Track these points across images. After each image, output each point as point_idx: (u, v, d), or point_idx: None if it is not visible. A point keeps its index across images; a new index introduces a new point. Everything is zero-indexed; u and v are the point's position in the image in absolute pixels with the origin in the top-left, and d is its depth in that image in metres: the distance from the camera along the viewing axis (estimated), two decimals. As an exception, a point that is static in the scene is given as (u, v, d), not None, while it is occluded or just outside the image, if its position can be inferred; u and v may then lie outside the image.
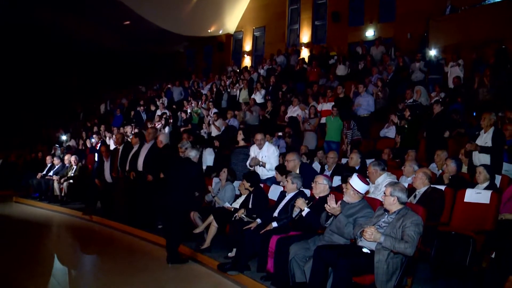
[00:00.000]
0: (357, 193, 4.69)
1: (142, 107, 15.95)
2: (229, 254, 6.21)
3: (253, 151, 7.64)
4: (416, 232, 3.99)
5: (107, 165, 9.61)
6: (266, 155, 7.43)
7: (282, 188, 6.22)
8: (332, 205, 4.43)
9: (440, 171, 6.84)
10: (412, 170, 6.31)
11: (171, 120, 13.98)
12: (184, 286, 5.56)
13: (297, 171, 6.44)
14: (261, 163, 7.39)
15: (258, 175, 7.03)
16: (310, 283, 4.33)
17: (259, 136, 7.56)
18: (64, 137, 15.98)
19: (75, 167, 11.76)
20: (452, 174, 6.17)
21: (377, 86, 11.24)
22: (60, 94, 20.51)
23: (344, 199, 4.78)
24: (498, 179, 5.87)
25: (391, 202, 4.25)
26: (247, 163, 7.60)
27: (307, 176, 6.09)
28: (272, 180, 7.30)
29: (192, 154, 6.61)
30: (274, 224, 5.65)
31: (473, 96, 9.57)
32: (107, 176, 9.63)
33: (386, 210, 4.34)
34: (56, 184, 11.78)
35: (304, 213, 5.08)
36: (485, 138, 6.39)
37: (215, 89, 15.92)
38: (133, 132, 10.99)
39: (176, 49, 22.68)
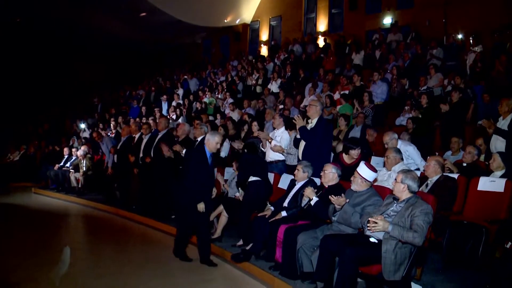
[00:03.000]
0: (365, 181, 4.60)
1: (164, 97, 16.04)
2: (237, 244, 6.20)
3: (268, 128, 7.54)
4: (425, 221, 3.88)
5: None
6: (279, 136, 7.28)
7: (292, 177, 6.12)
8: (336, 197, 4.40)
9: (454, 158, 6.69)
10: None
11: (185, 111, 13.98)
12: (194, 276, 5.54)
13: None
14: (270, 139, 7.23)
15: (255, 145, 6.94)
16: (316, 273, 4.28)
17: (277, 118, 7.50)
18: (82, 126, 16.12)
19: (84, 158, 11.85)
20: (468, 162, 6.02)
21: (392, 74, 11.02)
22: (79, 87, 20.76)
23: (352, 187, 4.69)
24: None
25: (401, 190, 4.14)
26: (256, 133, 7.58)
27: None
28: (280, 167, 7.22)
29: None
30: (284, 213, 5.60)
31: (491, 82, 9.30)
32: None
33: (395, 199, 4.24)
34: (72, 176, 11.94)
35: (312, 202, 5.01)
36: (502, 125, 6.21)
37: (230, 79, 15.85)
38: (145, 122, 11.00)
39: (193, 40, 22.66)
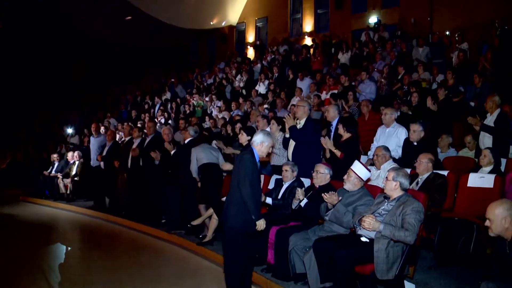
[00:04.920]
0: (360, 180, 4.59)
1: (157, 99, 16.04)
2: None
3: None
4: (416, 219, 3.87)
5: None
6: None
7: (278, 177, 6.10)
8: (328, 194, 4.33)
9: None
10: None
11: (173, 114, 13.92)
12: (187, 280, 5.52)
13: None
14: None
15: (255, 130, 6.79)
16: (322, 277, 4.24)
17: (261, 120, 7.48)
18: (70, 131, 15.93)
19: (77, 162, 11.74)
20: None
21: (381, 73, 11.05)
22: (66, 91, 20.55)
23: (345, 187, 4.68)
24: (503, 162, 5.72)
25: (393, 188, 4.13)
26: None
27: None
28: (268, 169, 7.20)
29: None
30: (268, 200, 5.65)
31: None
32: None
33: (386, 197, 4.24)
34: (60, 182, 11.82)
35: (302, 204, 4.99)
36: (489, 121, 6.25)
37: (218, 82, 15.82)
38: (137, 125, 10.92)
39: (179, 42, 22.57)
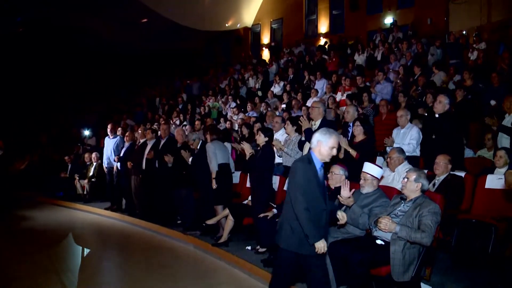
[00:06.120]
0: (375, 180, 4.57)
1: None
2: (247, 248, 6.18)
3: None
4: (433, 221, 3.85)
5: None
6: (279, 139, 7.18)
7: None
8: (345, 195, 4.27)
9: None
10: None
11: (189, 116, 13.99)
12: (202, 281, 5.53)
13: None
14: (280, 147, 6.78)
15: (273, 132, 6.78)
16: (337, 280, 4.20)
17: (278, 119, 7.47)
18: (87, 133, 16.13)
19: (95, 164, 11.86)
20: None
21: (397, 73, 10.97)
22: (82, 93, 20.77)
23: (362, 191, 4.64)
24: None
25: (414, 189, 4.11)
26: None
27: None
28: (281, 170, 7.12)
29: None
30: (275, 210, 5.67)
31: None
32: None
33: (402, 198, 4.21)
34: (77, 183, 11.96)
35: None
36: (507, 122, 6.16)
37: (233, 83, 15.85)
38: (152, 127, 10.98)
39: (194, 44, 22.69)
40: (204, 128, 8.68)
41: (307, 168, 3.60)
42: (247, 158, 6.50)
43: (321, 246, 3.53)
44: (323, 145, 3.65)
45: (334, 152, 3.69)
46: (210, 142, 7.05)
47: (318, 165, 3.66)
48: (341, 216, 3.85)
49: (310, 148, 3.76)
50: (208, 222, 6.79)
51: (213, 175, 6.88)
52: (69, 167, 12.88)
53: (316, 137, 3.69)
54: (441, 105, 6.02)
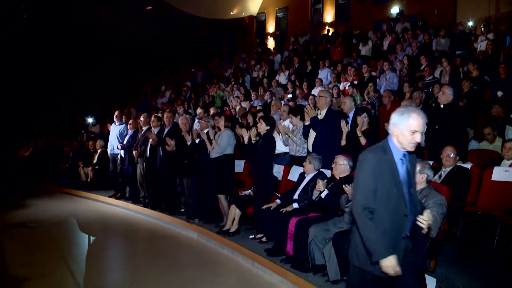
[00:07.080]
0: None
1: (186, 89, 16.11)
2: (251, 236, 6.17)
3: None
4: (439, 212, 3.82)
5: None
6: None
7: (301, 169, 6.04)
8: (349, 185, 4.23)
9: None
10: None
11: (193, 104, 13.94)
12: (206, 269, 5.54)
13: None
14: (289, 135, 6.75)
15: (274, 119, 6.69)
16: (329, 267, 4.22)
17: (285, 108, 7.44)
18: (90, 120, 16.11)
19: (99, 151, 11.85)
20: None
21: (403, 63, 10.88)
22: (86, 81, 20.75)
23: None
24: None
25: (419, 180, 4.06)
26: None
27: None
28: (287, 159, 7.10)
29: None
30: (295, 205, 5.54)
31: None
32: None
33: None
34: (81, 170, 11.97)
35: (323, 195, 4.95)
36: (515, 113, 6.12)
37: (238, 72, 15.77)
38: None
39: (199, 33, 22.57)
40: (217, 113, 8.58)
41: (379, 159, 2.78)
42: (245, 143, 6.45)
43: (388, 265, 2.66)
44: (400, 128, 2.79)
45: (418, 138, 2.77)
46: (225, 129, 7.02)
47: (397, 156, 2.82)
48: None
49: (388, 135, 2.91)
50: (225, 228, 6.58)
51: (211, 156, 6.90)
52: (70, 155, 12.89)
53: (392, 119, 2.85)
54: (445, 96, 5.99)
